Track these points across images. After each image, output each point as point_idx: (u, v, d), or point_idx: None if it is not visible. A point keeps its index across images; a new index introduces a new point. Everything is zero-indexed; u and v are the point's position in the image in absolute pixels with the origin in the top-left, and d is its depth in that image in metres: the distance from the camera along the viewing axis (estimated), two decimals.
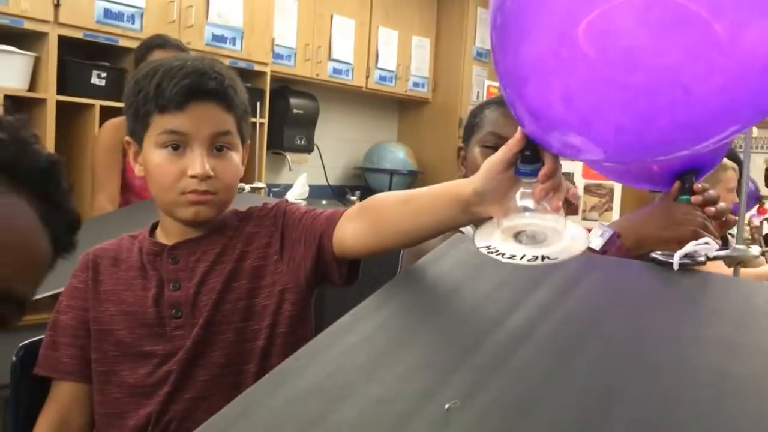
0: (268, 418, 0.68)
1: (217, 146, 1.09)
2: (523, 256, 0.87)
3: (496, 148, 1.39)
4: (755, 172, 4.97)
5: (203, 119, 1.07)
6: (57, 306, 1.16)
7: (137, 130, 1.11)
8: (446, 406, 0.63)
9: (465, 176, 1.47)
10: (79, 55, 2.93)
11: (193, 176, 1.06)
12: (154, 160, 1.08)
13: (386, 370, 0.75)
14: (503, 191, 0.89)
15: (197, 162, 1.06)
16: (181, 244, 1.13)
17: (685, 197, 1.27)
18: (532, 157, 0.85)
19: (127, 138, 1.14)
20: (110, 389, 1.09)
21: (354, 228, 1.07)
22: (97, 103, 2.84)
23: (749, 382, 0.72)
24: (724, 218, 1.27)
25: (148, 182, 1.12)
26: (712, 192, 1.26)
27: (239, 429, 0.68)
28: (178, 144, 1.07)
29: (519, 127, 0.86)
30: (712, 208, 1.25)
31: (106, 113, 2.77)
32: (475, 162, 1.42)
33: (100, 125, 2.75)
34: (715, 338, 0.81)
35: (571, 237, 0.89)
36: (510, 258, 0.87)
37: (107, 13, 2.90)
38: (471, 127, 1.46)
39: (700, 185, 1.26)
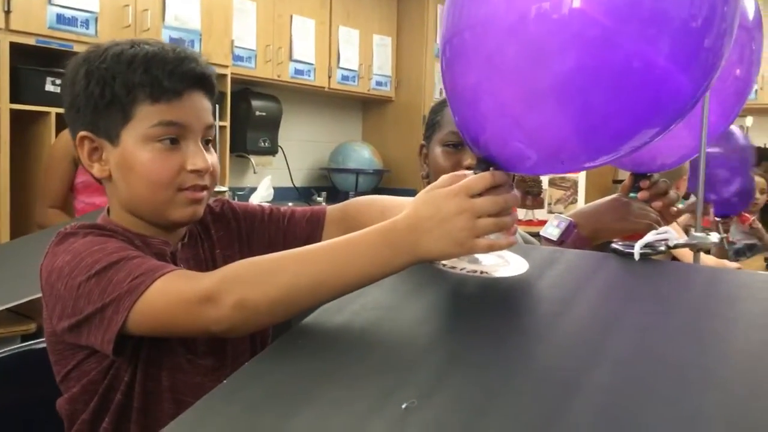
0: (225, 426, 0.67)
1: (205, 140, 1.02)
2: (463, 268, 0.96)
3: (456, 147, 1.39)
4: None
5: (199, 109, 1.00)
6: (105, 256, 0.91)
7: (110, 123, 0.97)
8: (404, 406, 0.62)
9: (427, 175, 1.46)
10: (33, 62, 2.86)
11: (193, 171, 0.98)
12: (144, 155, 0.97)
13: (345, 372, 0.73)
14: None
15: (198, 156, 0.99)
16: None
17: (633, 194, 1.32)
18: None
19: (84, 133, 0.99)
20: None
21: (338, 232, 1.03)
22: (53, 110, 2.77)
23: (710, 372, 0.72)
24: (676, 209, 1.30)
25: (128, 181, 0.99)
26: (661, 184, 1.29)
27: None
28: (174, 137, 0.98)
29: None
30: (659, 202, 1.29)
31: (62, 121, 2.71)
32: (437, 160, 1.40)
33: (57, 133, 2.70)
34: (676, 327, 0.81)
35: (513, 262, 0.98)
36: (450, 268, 0.96)
37: (60, 18, 2.84)
38: (432, 125, 1.44)
39: (648, 180, 1.29)
